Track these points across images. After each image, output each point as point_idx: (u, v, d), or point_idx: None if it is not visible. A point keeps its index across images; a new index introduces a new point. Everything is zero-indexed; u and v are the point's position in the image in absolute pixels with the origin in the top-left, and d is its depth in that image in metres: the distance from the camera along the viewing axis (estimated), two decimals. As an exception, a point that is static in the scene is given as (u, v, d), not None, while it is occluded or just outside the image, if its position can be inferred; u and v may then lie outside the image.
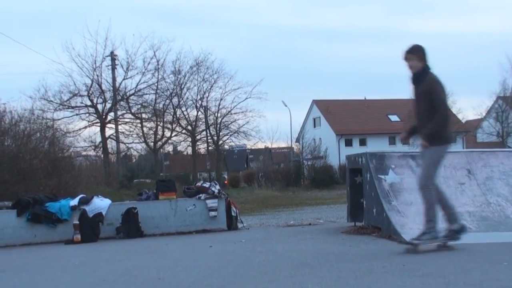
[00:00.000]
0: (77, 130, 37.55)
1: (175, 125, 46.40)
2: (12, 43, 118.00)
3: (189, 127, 47.87)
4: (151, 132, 44.10)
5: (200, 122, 49.30)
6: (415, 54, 7.35)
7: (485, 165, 9.46)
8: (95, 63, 37.86)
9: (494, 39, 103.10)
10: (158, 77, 41.30)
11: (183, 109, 46.83)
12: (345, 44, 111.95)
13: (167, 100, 43.94)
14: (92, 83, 37.99)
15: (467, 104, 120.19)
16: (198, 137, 49.87)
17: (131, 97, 40.37)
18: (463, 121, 61.10)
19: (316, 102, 66.39)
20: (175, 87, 44.26)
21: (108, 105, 39.18)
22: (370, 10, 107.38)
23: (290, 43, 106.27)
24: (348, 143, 61.84)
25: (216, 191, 11.61)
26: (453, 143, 7.69)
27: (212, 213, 11.40)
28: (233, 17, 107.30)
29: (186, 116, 47.55)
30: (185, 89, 45.71)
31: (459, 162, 9.45)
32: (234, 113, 49.26)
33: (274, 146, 68.68)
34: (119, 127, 40.67)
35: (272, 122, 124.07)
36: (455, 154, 9.71)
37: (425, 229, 7.22)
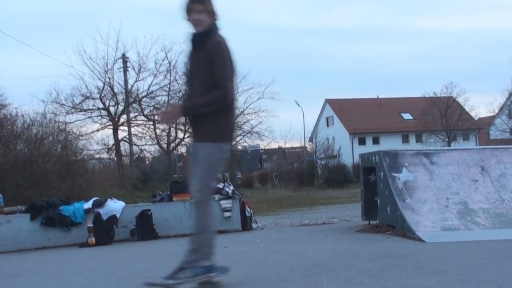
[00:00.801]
0: (89, 133, 37.76)
1: (188, 126, 46.36)
2: (22, 47, 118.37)
3: (202, 128, 47.72)
4: (164, 134, 44.09)
5: (213, 123, 49.21)
6: (204, 4, 5.14)
7: (499, 162, 9.40)
8: (107, 66, 37.94)
9: (506, 36, 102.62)
10: (170, 79, 41.22)
11: (196, 110, 46.71)
12: (357, 43, 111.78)
13: (180, 102, 43.91)
14: (104, 85, 38.09)
15: (480, 101, 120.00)
16: (211, 138, 49.78)
17: (144, 99, 40.39)
18: (476, 118, 60.94)
19: (328, 101, 66.35)
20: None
21: (121, 108, 39.31)
22: (380, 9, 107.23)
23: (301, 43, 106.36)
24: (361, 141, 61.82)
25: (230, 191, 11.58)
26: (229, 143, 5.49)
27: (226, 214, 11.38)
28: (243, 17, 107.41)
29: (199, 117, 47.41)
30: (197, 90, 45.63)
31: (472, 159, 9.40)
32: (247, 114, 49.10)
33: (288, 146, 68.76)
34: (132, 129, 40.79)
35: (285, 122, 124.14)
36: (468, 151, 9.68)
37: (185, 262, 5.23)
